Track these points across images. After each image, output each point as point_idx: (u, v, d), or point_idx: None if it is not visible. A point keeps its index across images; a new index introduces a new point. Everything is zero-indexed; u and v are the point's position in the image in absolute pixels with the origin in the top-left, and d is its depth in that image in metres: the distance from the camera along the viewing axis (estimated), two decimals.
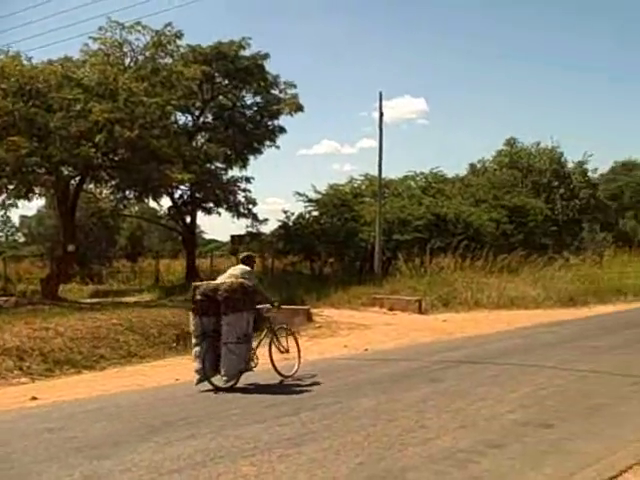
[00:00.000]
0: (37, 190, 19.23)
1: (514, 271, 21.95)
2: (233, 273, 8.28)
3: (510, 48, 79.60)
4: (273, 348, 8.58)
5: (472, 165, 39.42)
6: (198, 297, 8.02)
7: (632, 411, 6.55)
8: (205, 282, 8.57)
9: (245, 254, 9.08)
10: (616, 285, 22.58)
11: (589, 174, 35.86)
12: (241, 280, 8.02)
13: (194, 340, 8.04)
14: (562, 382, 7.95)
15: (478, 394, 7.23)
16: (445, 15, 78.10)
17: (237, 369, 7.77)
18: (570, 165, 35.80)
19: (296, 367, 8.65)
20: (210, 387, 7.78)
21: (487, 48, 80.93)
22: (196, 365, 7.89)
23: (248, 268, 8.49)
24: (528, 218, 27.77)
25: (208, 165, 24.80)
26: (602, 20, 74.19)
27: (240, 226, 28.21)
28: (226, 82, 26.31)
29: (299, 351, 8.95)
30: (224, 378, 7.70)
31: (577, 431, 5.72)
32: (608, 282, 22.69)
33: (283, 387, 8.06)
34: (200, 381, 7.83)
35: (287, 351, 8.80)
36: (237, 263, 9.29)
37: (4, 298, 17.14)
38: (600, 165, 64.07)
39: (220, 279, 8.29)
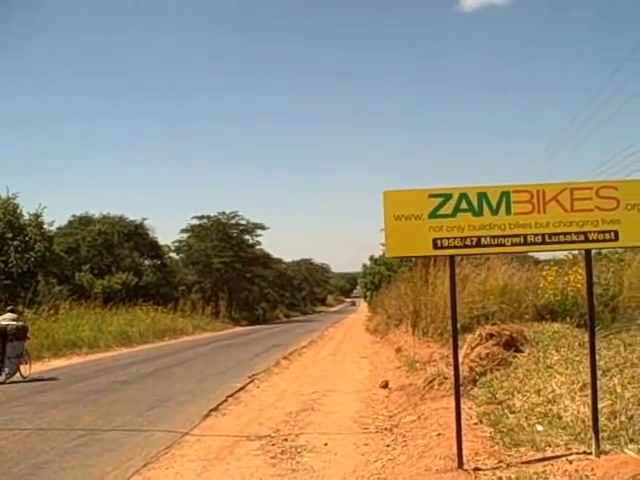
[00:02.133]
0: None
1: None
2: (9, 317, 14.70)
3: None
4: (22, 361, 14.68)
5: None
6: None
7: (75, 465, 6.55)
8: None
9: (10, 307, 16.08)
10: (72, 338, 22.92)
11: (45, 227, 35.68)
12: (22, 323, 15.40)
13: None
14: (2, 443, 7.51)
15: None
16: None
17: (12, 371, 14.11)
18: (26, 217, 35.04)
19: (28, 372, 14.80)
20: None
21: None
22: None
23: (16, 315, 15.34)
24: None
25: None
26: None
27: None
28: None
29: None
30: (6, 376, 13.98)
31: None
32: (64, 335, 22.85)
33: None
34: None
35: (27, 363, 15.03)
36: (5, 312, 15.19)
37: None
38: (58, 218, 64.63)
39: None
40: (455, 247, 5.44)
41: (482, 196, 5.43)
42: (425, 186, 5.61)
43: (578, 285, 13.28)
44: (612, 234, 5.39)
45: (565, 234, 5.41)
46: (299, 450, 7.21)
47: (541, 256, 20.13)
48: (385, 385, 11.59)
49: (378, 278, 42.54)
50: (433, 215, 5.44)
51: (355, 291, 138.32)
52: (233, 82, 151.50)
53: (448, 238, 5.42)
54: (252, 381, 13.44)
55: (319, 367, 16.28)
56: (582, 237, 5.41)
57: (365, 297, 64.18)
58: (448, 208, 5.44)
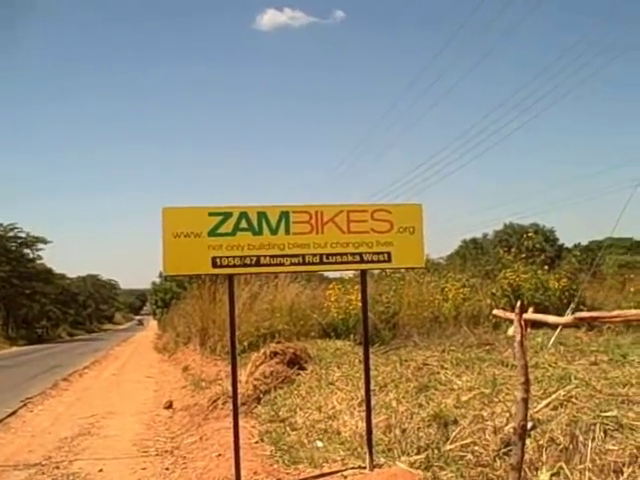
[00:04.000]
0: None
1: None
2: None
3: None
4: None
5: None
6: None
7: None
8: None
9: None
10: None
11: None
12: None
13: None
14: None
15: None
16: None
17: None
18: None
19: None
20: None
21: None
22: None
23: None
24: None
25: None
26: None
27: None
28: None
29: None
30: None
31: None
32: None
33: None
34: None
35: None
36: None
37: None
38: None
39: None
40: (234, 266, 5.34)
41: (262, 215, 5.41)
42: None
43: (359, 304, 13.91)
44: (386, 255, 5.64)
45: (342, 254, 5.56)
46: (71, 478, 6.76)
47: (329, 274, 20.94)
48: (169, 405, 11.22)
49: (169, 295, 41.62)
50: (213, 233, 5.31)
51: (145, 308, 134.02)
52: None
53: (227, 257, 5.32)
54: (25, 405, 12.48)
55: (101, 388, 15.42)
56: (358, 258, 5.60)
57: (155, 315, 62.49)
58: (228, 226, 5.34)
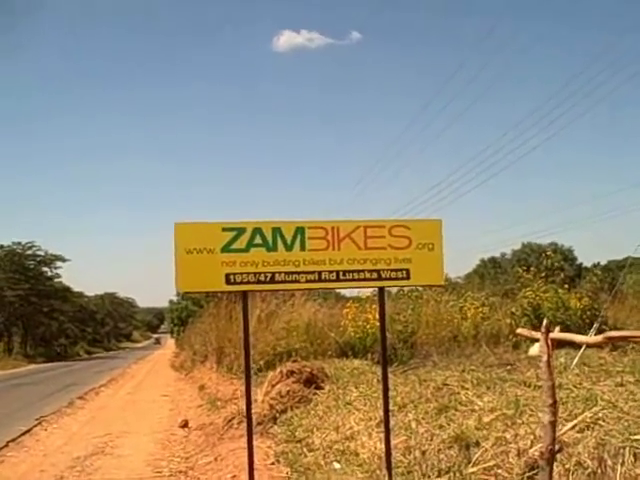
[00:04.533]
0: None
1: None
2: None
3: None
4: None
5: None
6: None
7: None
8: None
9: None
10: None
11: None
12: None
13: None
14: None
15: None
16: None
17: None
18: None
19: None
20: None
21: None
22: None
23: None
24: None
25: None
26: None
27: None
28: None
29: None
30: None
31: None
32: None
33: None
34: None
35: None
36: None
37: None
38: None
39: None
40: (248, 283, 5.22)
41: (276, 231, 5.29)
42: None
43: (377, 322, 13.70)
44: (404, 272, 5.49)
45: (359, 271, 5.42)
46: None
47: (346, 293, 20.78)
48: (185, 424, 11.08)
49: (185, 313, 41.61)
50: (226, 249, 5.20)
51: (163, 326, 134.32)
52: None
53: (241, 273, 5.20)
54: (39, 423, 12.38)
55: (116, 407, 15.32)
56: (375, 275, 5.45)
57: (172, 333, 62.52)
58: (242, 242, 5.22)
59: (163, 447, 9.47)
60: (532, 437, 5.45)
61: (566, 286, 17.10)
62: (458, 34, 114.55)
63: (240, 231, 5.25)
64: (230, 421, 9.46)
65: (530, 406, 6.36)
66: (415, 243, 5.52)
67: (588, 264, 56.68)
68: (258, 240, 5.26)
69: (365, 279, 5.46)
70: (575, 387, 7.03)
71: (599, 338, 6.91)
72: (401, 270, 5.49)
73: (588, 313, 15.10)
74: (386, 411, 5.60)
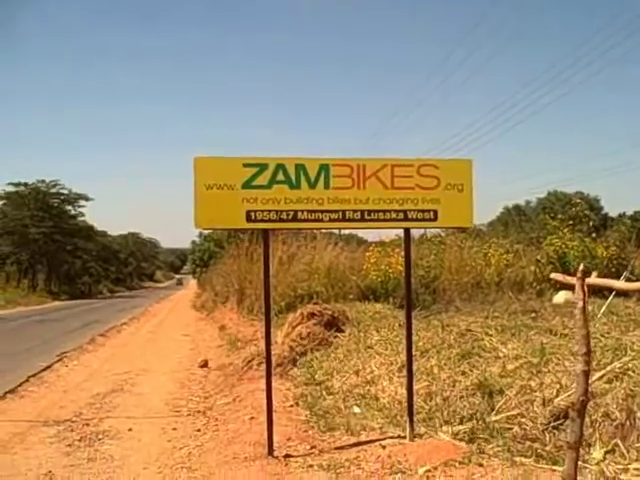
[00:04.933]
0: None
1: None
2: None
3: None
4: None
5: None
6: None
7: None
8: None
9: None
10: None
11: None
12: None
13: None
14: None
15: None
16: None
17: None
18: None
19: None
20: None
21: None
22: None
23: None
24: None
25: None
26: None
27: None
28: None
29: None
30: None
31: None
32: None
33: None
34: None
35: None
36: None
37: None
38: None
39: None
40: (270, 220, 5.02)
41: (300, 168, 5.06)
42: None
43: (399, 267, 13.57)
44: (432, 214, 5.27)
45: (385, 211, 5.19)
46: (100, 437, 6.57)
47: (368, 237, 20.59)
48: (204, 364, 11.12)
49: (207, 255, 41.79)
50: (247, 186, 4.99)
51: (185, 267, 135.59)
52: None
53: (263, 211, 5.00)
54: (61, 360, 12.43)
55: (137, 345, 15.47)
56: (402, 215, 5.23)
57: (194, 274, 63.07)
58: (264, 179, 5.01)
59: (182, 386, 9.50)
60: (558, 386, 5.31)
61: (593, 235, 16.77)
62: None
63: (262, 167, 5.03)
64: (250, 362, 9.44)
65: (556, 354, 6.21)
66: (444, 183, 5.28)
67: (614, 214, 55.87)
68: (280, 177, 5.03)
69: (391, 219, 5.23)
70: (603, 336, 6.86)
71: (638, 285, 6.64)
72: (428, 211, 5.26)
73: (615, 262, 14.80)
74: (409, 356, 5.46)
